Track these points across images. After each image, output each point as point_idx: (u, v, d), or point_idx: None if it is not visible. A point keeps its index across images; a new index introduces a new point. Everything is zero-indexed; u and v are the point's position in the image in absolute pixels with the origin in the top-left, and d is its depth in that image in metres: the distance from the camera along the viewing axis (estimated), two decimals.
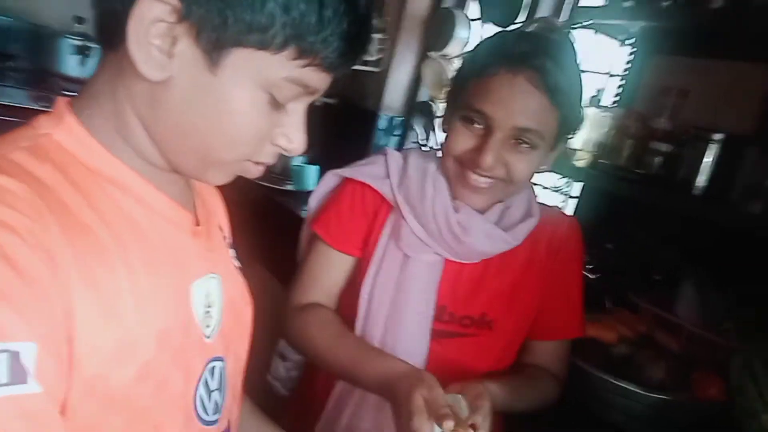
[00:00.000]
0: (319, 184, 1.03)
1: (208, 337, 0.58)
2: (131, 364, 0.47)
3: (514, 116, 0.80)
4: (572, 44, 0.87)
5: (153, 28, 0.44)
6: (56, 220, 0.43)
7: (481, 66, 0.82)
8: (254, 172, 0.56)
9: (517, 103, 0.80)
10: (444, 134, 0.90)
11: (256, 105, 0.49)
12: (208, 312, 0.58)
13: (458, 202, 0.89)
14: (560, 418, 1.00)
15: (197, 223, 0.59)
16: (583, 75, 0.86)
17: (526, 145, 0.82)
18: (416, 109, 2.48)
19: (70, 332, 0.42)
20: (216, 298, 0.60)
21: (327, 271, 0.97)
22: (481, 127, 0.83)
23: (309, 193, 1.06)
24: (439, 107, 2.41)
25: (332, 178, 1.01)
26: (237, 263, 0.69)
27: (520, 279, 0.94)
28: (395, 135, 2.49)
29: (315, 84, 0.51)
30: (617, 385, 0.98)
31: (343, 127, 2.36)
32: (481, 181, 0.85)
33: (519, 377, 0.92)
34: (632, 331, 1.13)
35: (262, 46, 0.46)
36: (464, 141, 0.85)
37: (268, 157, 0.54)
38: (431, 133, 2.42)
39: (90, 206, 0.46)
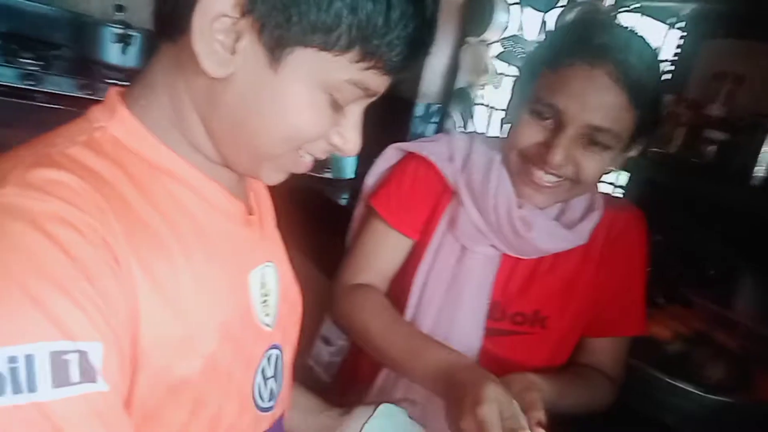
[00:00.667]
0: (379, 159, 0.98)
1: (268, 326, 0.58)
2: (196, 356, 0.47)
3: (588, 112, 0.74)
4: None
5: (217, 22, 0.43)
6: (116, 216, 0.42)
7: (555, 56, 0.76)
8: (303, 166, 0.55)
9: (593, 99, 0.73)
10: (508, 126, 0.86)
11: (315, 105, 0.48)
12: (265, 301, 0.58)
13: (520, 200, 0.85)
14: (608, 417, 0.97)
15: (250, 213, 0.59)
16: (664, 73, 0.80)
17: (599, 146, 0.77)
18: (454, 95, 2.44)
19: (135, 328, 0.42)
20: (273, 287, 0.60)
21: (383, 252, 0.92)
22: (551, 121, 0.77)
23: (347, 180, 1.03)
24: (478, 93, 2.37)
25: (394, 152, 0.96)
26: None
27: (576, 274, 0.89)
28: (432, 122, 2.46)
29: (376, 86, 0.49)
30: (673, 385, 0.95)
31: (380, 115, 2.32)
32: (547, 179, 0.80)
33: (568, 374, 0.88)
34: (687, 327, 1.09)
35: (326, 46, 0.44)
36: (532, 135, 0.79)
37: (321, 152, 0.54)
38: (469, 120, 2.38)
39: (147, 200, 0.46)
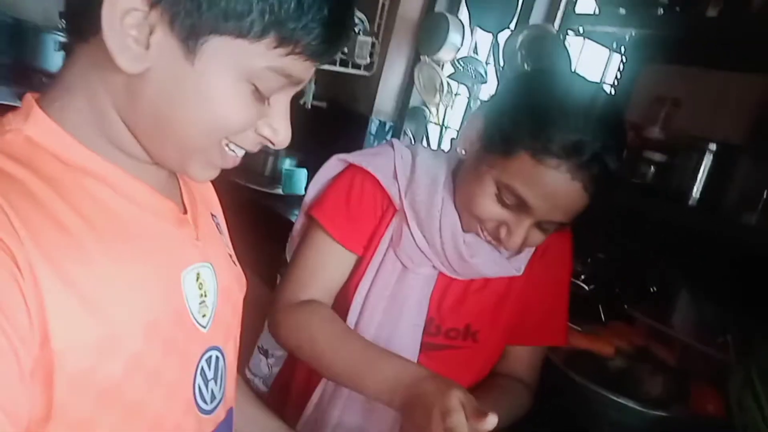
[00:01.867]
0: (322, 168, 0.95)
1: (204, 327, 0.56)
2: (118, 357, 0.45)
3: (555, 213, 0.75)
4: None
5: (128, 17, 0.43)
6: (22, 217, 0.41)
7: (543, 147, 0.71)
8: (230, 161, 0.54)
9: (564, 205, 0.74)
10: (458, 150, 0.84)
11: (236, 95, 0.47)
12: (203, 302, 0.57)
13: None
14: None
15: (184, 212, 0.58)
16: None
17: (549, 230, 0.79)
18: (408, 113, 2.46)
19: (44, 332, 0.40)
20: (210, 287, 0.58)
21: (328, 266, 0.89)
22: (514, 207, 0.76)
23: (299, 196, 1.01)
24: (432, 112, 2.39)
25: (338, 163, 0.93)
26: (230, 250, 0.68)
27: (506, 289, 0.91)
28: (386, 140, 2.47)
29: (298, 73, 0.49)
30: (614, 400, 0.96)
31: (334, 130, 2.34)
32: (494, 242, 0.82)
33: (496, 393, 0.90)
34: (629, 344, 1.12)
35: (240, 33, 0.44)
36: (493, 211, 0.78)
37: (249, 144, 0.53)
38: (422, 138, 2.41)
39: (63, 200, 0.45)
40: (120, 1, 0.42)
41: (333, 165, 0.94)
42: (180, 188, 0.60)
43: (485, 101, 0.90)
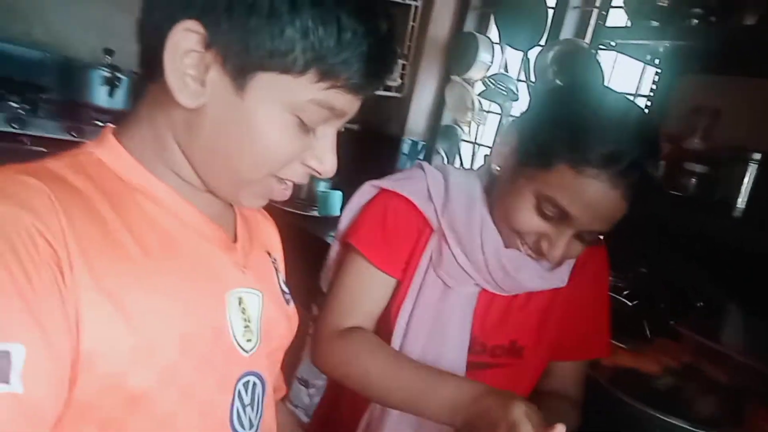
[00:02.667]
0: (353, 197, 0.96)
1: (247, 352, 0.58)
2: (152, 366, 0.48)
3: (596, 223, 0.76)
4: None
5: (186, 58, 0.48)
6: (73, 222, 0.45)
7: (582, 158, 0.72)
8: (281, 192, 0.57)
9: (604, 213, 0.75)
10: (493, 167, 0.86)
11: (283, 127, 0.51)
12: (248, 326, 0.59)
13: None
14: None
15: (234, 241, 0.61)
16: None
17: (588, 240, 0.80)
18: (440, 132, 2.47)
19: (78, 334, 0.43)
20: (254, 314, 0.60)
21: (369, 292, 0.89)
22: (555, 218, 0.77)
23: (334, 218, 1.02)
24: (464, 130, 2.40)
25: (371, 189, 0.93)
26: (286, 289, 0.71)
27: (548, 305, 0.90)
28: (419, 159, 2.48)
29: (342, 106, 0.52)
30: (663, 420, 0.93)
31: (366, 152, 2.36)
32: (534, 255, 0.82)
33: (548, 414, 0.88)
34: (676, 361, 1.08)
35: (284, 69, 0.48)
36: (532, 224, 0.79)
37: (297, 176, 0.56)
38: (456, 156, 2.41)
39: (117, 213, 0.49)
40: (180, 43, 0.47)
41: (366, 191, 0.94)
42: (236, 221, 0.64)
43: (517, 117, 0.91)
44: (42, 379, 0.41)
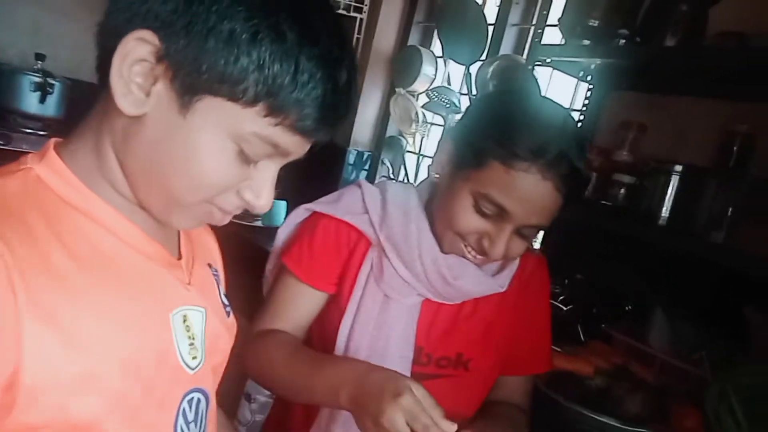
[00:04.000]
0: (288, 217, 0.99)
1: (193, 369, 0.57)
2: (95, 394, 0.46)
3: (533, 216, 0.78)
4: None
5: (135, 65, 0.47)
6: (12, 250, 0.43)
7: (511, 153, 0.76)
8: (218, 218, 0.56)
9: (540, 206, 0.78)
10: (433, 176, 0.88)
11: (222, 154, 0.49)
12: (192, 344, 0.58)
13: None
14: None
15: (179, 258, 0.60)
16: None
17: (530, 234, 0.83)
18: (385, 143, 2.50)
19: (17, 364, 0.42)
20: (198, 331, 0.59)
21: (294, 304, 0.92)
22: (493, 216, 0.79)
23: (277, 228, 1.02)
24: (408, 141, 2.44)
25: (303, 212, 0.96)
26: (226, 302, 0.69)
27: (494, 317, 0.92)
28: (364, 169, 2.50)
29: (286, 145, 0.51)
30: (595, 419, 0.98)
31: (312, 162, 2.34)
32: (479, 258, 0.84)
33: (500, 422, 0.90)
34: (607, 362, 1.13)
35: (232, 97, 0.47)
36: (472, 224, 0.81)
37: (231, 206, 0.54)
38: (400, 167, 2.44)
39: (58, 239, 0.47)
40: (132, 51, 0.46)
41: (300, 214, 0.97)
42: (179, 235, 0.62)
43: (452, 126, 0.94)
44: None
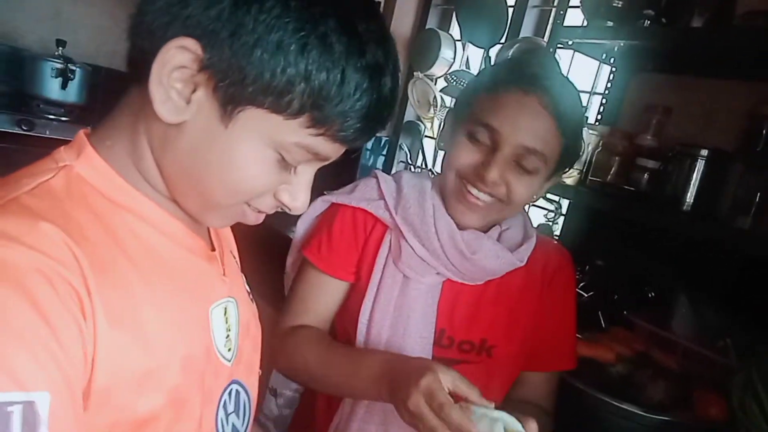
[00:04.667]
0: (309, 208, 0.96)
1: (229, 361, 0.58)
2: (160, 390, 0.47)
3: (521, 134, 0.80)
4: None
5: (176, 72, 0.46)
6: (82, 258, 0.43)
7: (493, 82, 0.83)
8: (253, 219, 0.56)
9: (526, 121, 0.80)
10: (441, 151, 0.90)
11: (262, 163, 0.49)
12: (228, 336, 0.58)
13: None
14: None
15: (212, 249, 0.60)
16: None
17: (529, 170, 0.83)
18: (403, 128, 2.48)
19: (92, 369, 0.42)
20: (233, 322, 0.60)
21: (317, 296, 0.94)
22: (487, 143, 0.83)
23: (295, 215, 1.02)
24: (426, 126, 2.42)
25: (322, 204, 0.98)
26: (248, 289, 0.70)
27: (518, 304, 0.92)
28: (382, 155, 2.49)
29: (326, 153, 0.51)
30: (617, 406, 0.97)
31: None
32: (482, 197, 0.84)
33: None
34: (629, 349, 1.12)
35: (277, 109, 0.46)
36: (469, 155, 0.84)
37: (266, 207, 0.55)
38: (419, 152, 2.43)
39: (112, 238, 0.47)
40: (172, 59, 0.45)
41: (318, 205, 0.99)
42: (208, 227, 0.63)
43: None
44: (66, 426, 0.39)
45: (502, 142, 0.81)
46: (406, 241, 0.88)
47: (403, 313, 0.87)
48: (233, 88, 0.45)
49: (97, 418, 0.43)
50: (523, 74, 0.82)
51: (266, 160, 0.49)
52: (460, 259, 0.86)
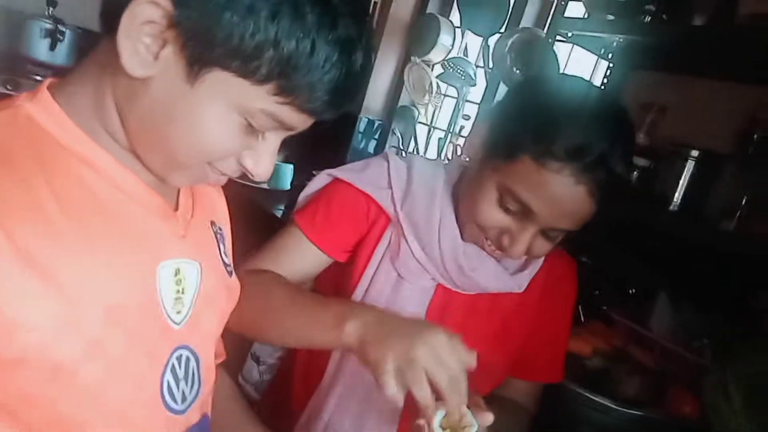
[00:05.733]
0: (311, 182, 0.95)
1: (177, 324, 0.56)
2: (76, 339, 0.46)
3: (560, 220, 0.73)
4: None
5: (145, 27, 0.45)
6: (4, 194, 0.42)
7: (545, 150, 0.70)
8: (214, 180, 0.55)
9: (569, 210, 0.72)
10: (463, 157, 0.84)
11: (226, 126, 0.49)
12: (179, 298, 0.56)
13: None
14: None
15: (175, 209, 0.59)
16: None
17: (553, 236, 0.77)
18: (397, 113, 2.46)
19: None
20: (190, 285, 0.58)
21: (294, 257, 0.88)
22: (517, 214, 0.75)
23: (283, 192, 1.00)
24: (420, 112, 2.40)
25: (326, 178, 0.93)
26: (228, 261, 0.68)
27: (511, 319, 0.89)
28: (374, 138, 2.47)
29: (292, 123, 0.50)
30: (591, 399, 0.97)
31: (320, 126, 2.33)
32: (498, 253, 0.80)
33: (502, 410, 0.88)
34: (607, 344, 1.13)
35: (244, 74, 0.46)
36: (494, 218, 0.76)
37: (230, 170, 0.54)
38: (411, 137, 2.41)
39: (43, 176, 0.46)
40: (142, 13, 0.44)
41: (322, 179, 0.94)
42: (179, 189, 0.61)
43: (491, 107, 0.89)
44: None
45: (535, 221, 0.73)
46: (406, 240, 0.84)
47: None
48: (200, 48, 0.45)
49: (2, 350, 0.42)
50: (583, 154, 0.68)
51: (231, 124, 0.49)
52: (458, 273, 0.83)
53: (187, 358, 0.58)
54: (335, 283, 0.92)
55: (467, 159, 0.83)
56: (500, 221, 0.76)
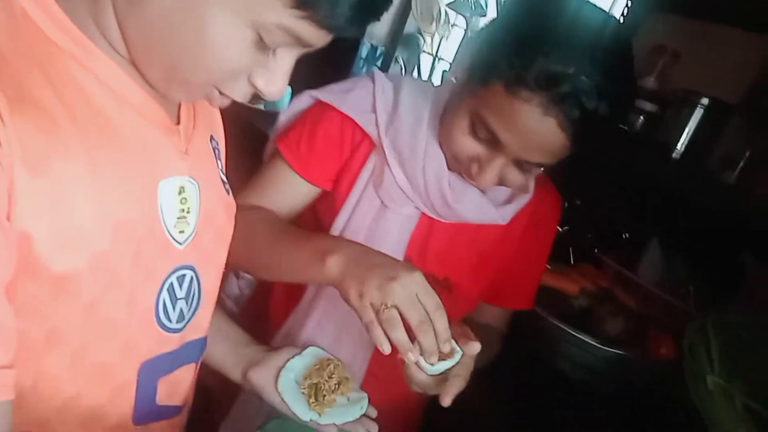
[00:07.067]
0: (292, 103, 0.92)
1: (180, 244, 0.55)
2: (82, 252, 0.44)
3: (529, 152, 0.69)
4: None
5: None
6: (4, 94, 0.39)
7: (516, 77, 0.65)
8: (218, 101, 0.51)
9: (537, 142, 0.68)
10: (452, 77, 0.80)
11: (238, 40, 0.44)
12: (183, 217, 0.54)
13: None
14: (509, 364, 1.01)
15: (177, 123, 0.55)
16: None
17: (526, 169, 0.74)
18: (401, 40, 2.38)
19: (9, 210, 0.40)
20: (193, 205, 0.56)
21: (281, 191, 0.87)
22: (487, 142, 0.72)
23: (280, 113, 0.96)
24: (426, 41, 2.32)
25: (308, 99, 0.89)
26: (225, 179, 0.66)
27: (493, 250, 0.89)
28: (376, 65, 2.39)
29: (310, 39, 0.45)
30: (573, 336, 1.00)
31: (322, 51, 2.25)
32: (474, 183, 0.78)
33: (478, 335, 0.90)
34: (593, 285, 1.14)
35: None
36: (465, 145, 0.74)
37: (239, 94, 0.50)
38: (414, 67, 2.34)
39: (50, 83, 0.43)
40: None
41: (305, 100, 0.89)
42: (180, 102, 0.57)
43: (482, 28, 0.84)
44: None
45: (503, 152, 0.71)
46: (390, 168, 0.82)
47: (374, 238, 0.83)
48: None
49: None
50: (554, 84, 0.63)
51: (242, 39, 0.44)
52: (441, 203, 0.81)
53: (191, 279, 0.57)
54: (317, 210, 0.91)
55: (454, 79, 0.80)
56: (470, 149, 0.73)
